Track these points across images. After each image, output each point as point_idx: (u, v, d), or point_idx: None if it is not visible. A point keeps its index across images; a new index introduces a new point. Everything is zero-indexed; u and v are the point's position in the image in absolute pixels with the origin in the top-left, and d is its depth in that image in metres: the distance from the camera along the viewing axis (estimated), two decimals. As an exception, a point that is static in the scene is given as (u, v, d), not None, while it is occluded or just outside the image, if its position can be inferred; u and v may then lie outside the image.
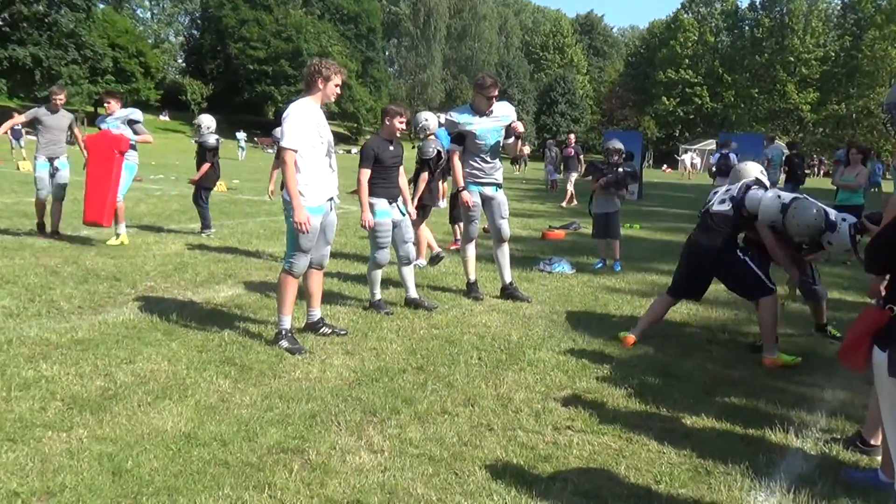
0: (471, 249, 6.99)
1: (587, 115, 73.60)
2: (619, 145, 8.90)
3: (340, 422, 3.83)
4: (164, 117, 61.98)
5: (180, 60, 74.99)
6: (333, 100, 5.21)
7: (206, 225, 10.51)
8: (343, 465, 3.35)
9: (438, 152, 8.29)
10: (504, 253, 6.98)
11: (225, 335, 5.27)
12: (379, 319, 5.97)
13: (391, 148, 6.21)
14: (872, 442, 3.72)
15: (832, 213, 5.16)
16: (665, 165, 57.26)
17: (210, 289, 6.88)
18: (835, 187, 10.14)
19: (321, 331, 5.45)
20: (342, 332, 5.49)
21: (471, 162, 6.71)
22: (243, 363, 4.69)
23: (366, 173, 6.10)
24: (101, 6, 59.46)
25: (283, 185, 5.06)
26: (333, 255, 7.46)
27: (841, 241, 5.07)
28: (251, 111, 61.61)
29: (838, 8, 65.39)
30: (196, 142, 10.55)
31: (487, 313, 6.36)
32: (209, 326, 5.48)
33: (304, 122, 4.94)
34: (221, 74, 62.25)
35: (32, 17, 46.86)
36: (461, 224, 9.74)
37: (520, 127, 6.78)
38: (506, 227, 6.90)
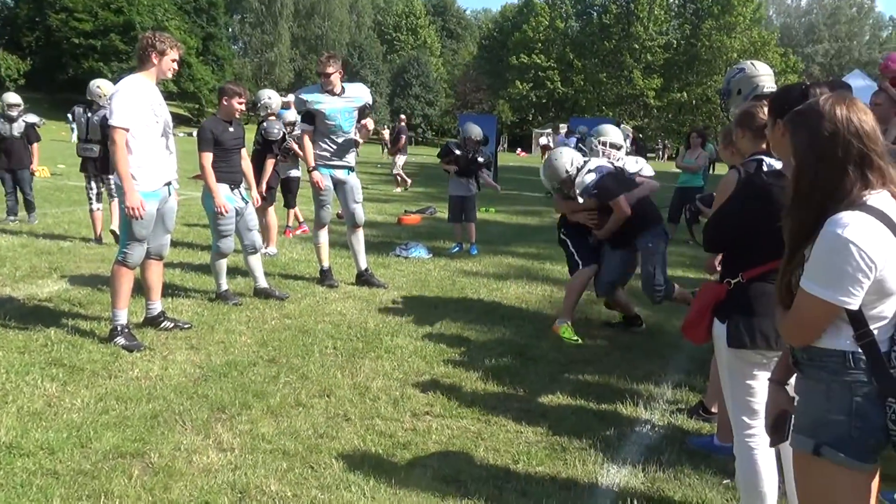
0: (323, 235, 6.90)
1: (441, 98, 74.36)
2: (477, 135, 8.95)
3: (185, 421, 3.69)
4: (-26, 95, 56.77)
5: (-9, 31, 68.80)
6: (170, 76, 5.00)
7: (31, 209, 9.93)
8: (189, 467, 3.22)
9: (284, 133, 8.12)
10: (359, 239, 6.95)
11: (51, 334, 4.92)
12: (226, 311, 5.78)
13: (231, 129, 6.04)
14: (713, 410, 4.03)
15: (588, 167, 5.46)
16: (519, 149, 59.04)
17: (32, 284, 6.39)
18: (679, 169, 10.84)
19: (162, 325, 5.21)
20: (186, 326, 5.27)
21: (321, 143, 6.62)
22: (73, 364, 4.40)
23: (208, 156, 5.90)
24: None
25: (114, 169, 4.78)
26: (175, 243, 7.16)
27: (580, 189, 5.38)
28: (78, 89, 56.97)
29: (679, -3, 69.67)
30: (24, 122, 9.74)
31: (342, 301, 6.32)
32: (32, 325, 5.10)
33: (136, 100, 4.70)
34: (41, 48, 57.50)
35: None
36: (297, 210, 9.67)
37: (370, 125, 6.77)
38: (360, 212, 6.87)
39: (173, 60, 4.92)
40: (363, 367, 4.63)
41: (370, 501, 3.01)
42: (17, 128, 9.76)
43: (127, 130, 4.65)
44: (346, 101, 6.58)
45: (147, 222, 4.80)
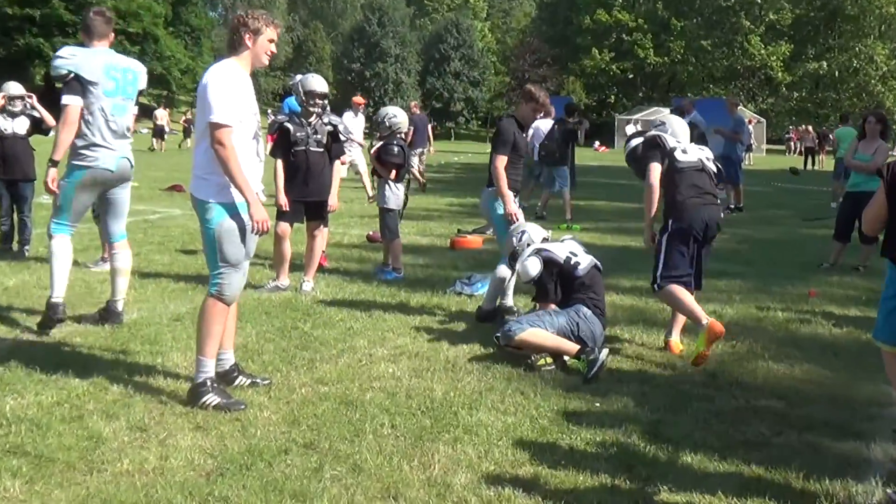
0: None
1: (490, 76, 74.71)
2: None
3: (203, 538, 3.55)
4: None
5: None
6: (265, 62, 5.29)
7: (25, 236, 10.01)
8: None
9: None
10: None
11: (6, 411, 4.87)
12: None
13: (523, 135, 7.09)
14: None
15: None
16: (597, 142, 58.49)
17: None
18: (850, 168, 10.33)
19: (237, 381, 5.41)
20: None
21: None
22: (40, 452, 4.33)
23: (503, 160, 6.86)
24: None
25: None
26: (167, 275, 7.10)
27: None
28: (12, 72, 58.96)
29: (813, -66, 69.14)
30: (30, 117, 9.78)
31: (394, 359, 6.19)
32: (-21, 398, 5.06)
33: (234, 91, 4.97)
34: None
35: None
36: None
37: None
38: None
39: (270, 41, 5.20)
40: (437, 455, 4.47)
41: None
42: (20, 125, 9.74)
43: (231, 128, 4.88)
44: None
45: (239, 243, 5.07)
